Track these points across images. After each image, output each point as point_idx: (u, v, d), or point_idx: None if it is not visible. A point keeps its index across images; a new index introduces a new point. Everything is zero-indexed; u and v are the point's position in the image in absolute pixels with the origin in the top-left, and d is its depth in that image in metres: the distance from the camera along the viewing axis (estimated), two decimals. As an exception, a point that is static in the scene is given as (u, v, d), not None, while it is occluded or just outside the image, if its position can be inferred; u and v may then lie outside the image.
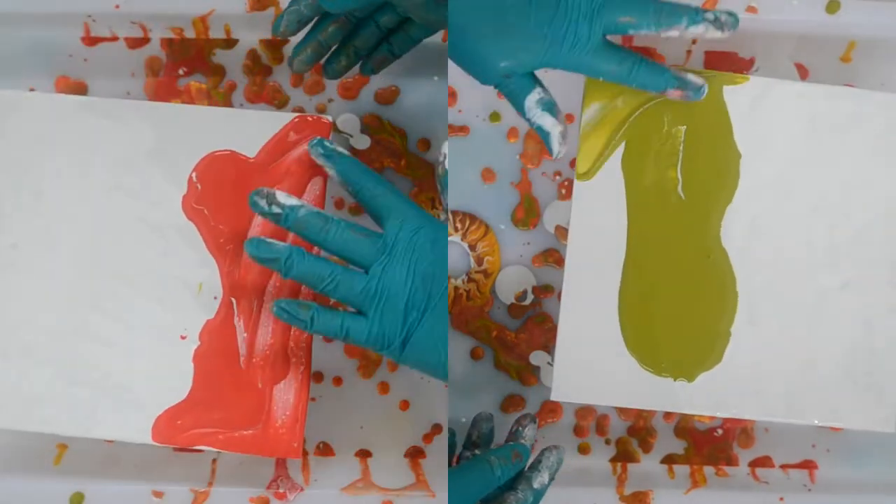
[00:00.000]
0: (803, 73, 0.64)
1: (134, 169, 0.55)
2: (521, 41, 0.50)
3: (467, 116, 0.65)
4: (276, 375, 0.54)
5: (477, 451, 0.56)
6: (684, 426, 0.65)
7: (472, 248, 0.65)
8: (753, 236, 0.56)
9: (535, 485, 0.54)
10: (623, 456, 0.64)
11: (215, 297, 0.55)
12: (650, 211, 0.56)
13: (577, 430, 0.64)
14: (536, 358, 0.64)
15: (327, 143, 0.53)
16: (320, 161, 0.52)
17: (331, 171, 0.52)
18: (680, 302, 0.56)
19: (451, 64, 0.53)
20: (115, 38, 0.64)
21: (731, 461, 0.64)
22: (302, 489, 0.61)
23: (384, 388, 0.64)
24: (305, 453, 0.62)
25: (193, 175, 0.55)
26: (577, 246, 0.56)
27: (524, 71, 0.51)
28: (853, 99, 0.56)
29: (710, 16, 0.51)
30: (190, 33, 0.63)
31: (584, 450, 0.64)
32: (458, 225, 0.65)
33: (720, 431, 0.65)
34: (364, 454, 0.63)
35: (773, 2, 0.61)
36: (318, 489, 0.61)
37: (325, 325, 0.50)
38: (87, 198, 0.54)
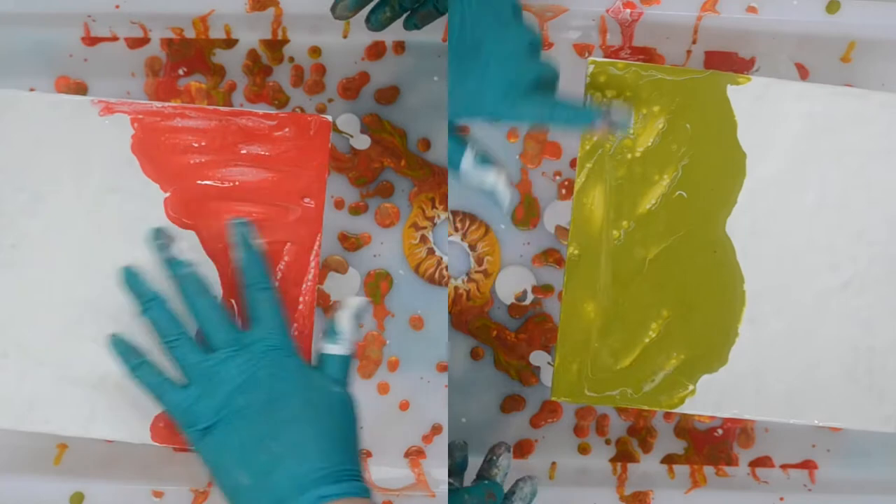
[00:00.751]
0: (803, 73, 0.64)
1: (133, 169, 0.54)
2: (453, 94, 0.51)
3: (467, 116, 0.65)
4: (276, 375, 0.54)
5: (451, 480, 0.56)
6: (684, 426, 0.65)
7: (472, 248, 0.65)
8: (754, 237, 0.56)
9: None
10: (623, 456, 0.64)
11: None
12: (652, 210, 0.56)
13: (577, 430, 0.64)
14: (536, 358, 0.64)
15: (241, 228, 0.52)
16: (234, 244, 0.52)
17: (235, 258, 0.52)
18: (685, 303, 0.56)
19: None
20: (115, 38, 0.64)
21: (732, 461, 0.64)
22: (302, 489, 0.61)
23: (384, 388, 0.64)
24: (305, 453, 0.62)
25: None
26: (577, 245, 0.56)
27: (458, 123, 0.52)
28: (853, 99, 0.56)
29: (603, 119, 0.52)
30: (190, 33, 0.63)
31: (584, 450, 0.64)
32: (458, 225, 0.64)
33: (720, 431, 0.65)
34: (364, 454, 0.63)
35: (773, 2, 0.61)
36: (318, 489, 0.61)
37: (146, 377, 0.49)
38: (86, 198, 0.54)
